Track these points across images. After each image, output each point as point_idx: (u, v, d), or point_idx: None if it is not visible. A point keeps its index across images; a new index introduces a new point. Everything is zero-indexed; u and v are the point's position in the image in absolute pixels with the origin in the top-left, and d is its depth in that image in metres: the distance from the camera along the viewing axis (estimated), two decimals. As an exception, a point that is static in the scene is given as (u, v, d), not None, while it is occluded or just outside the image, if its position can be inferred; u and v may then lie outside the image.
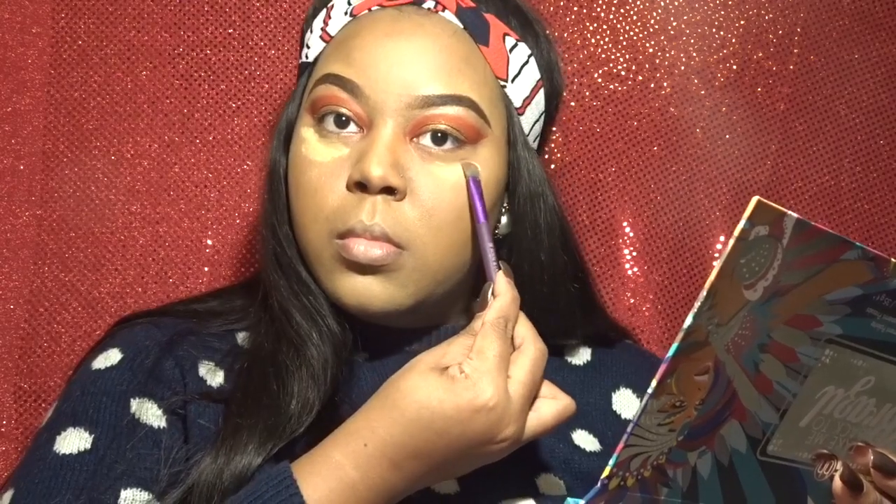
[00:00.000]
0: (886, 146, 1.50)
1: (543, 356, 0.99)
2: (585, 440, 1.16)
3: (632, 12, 1.46)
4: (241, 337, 1.16)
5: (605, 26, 1.46)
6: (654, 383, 0.85)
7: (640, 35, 1.46)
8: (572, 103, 1.45)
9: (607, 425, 1.18)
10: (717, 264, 0.82)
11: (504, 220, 1.15)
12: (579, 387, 1.20)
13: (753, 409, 0.91)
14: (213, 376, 1.11)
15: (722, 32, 1.47)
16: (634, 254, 1.47)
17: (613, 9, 1.46)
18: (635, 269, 1.47)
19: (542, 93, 1.17)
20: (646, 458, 0.88)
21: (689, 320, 0.83)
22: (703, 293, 0.83)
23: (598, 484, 0.87)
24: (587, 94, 1.46)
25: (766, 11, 1.47)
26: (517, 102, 1.14)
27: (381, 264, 1.07)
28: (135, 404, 1.07)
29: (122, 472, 1.02)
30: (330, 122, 1.09)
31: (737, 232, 0.82)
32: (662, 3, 1.47)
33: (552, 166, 1.45)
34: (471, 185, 1.07)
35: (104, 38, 1.40)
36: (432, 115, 1.08)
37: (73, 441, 1.04)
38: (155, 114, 1.41)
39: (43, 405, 1.37)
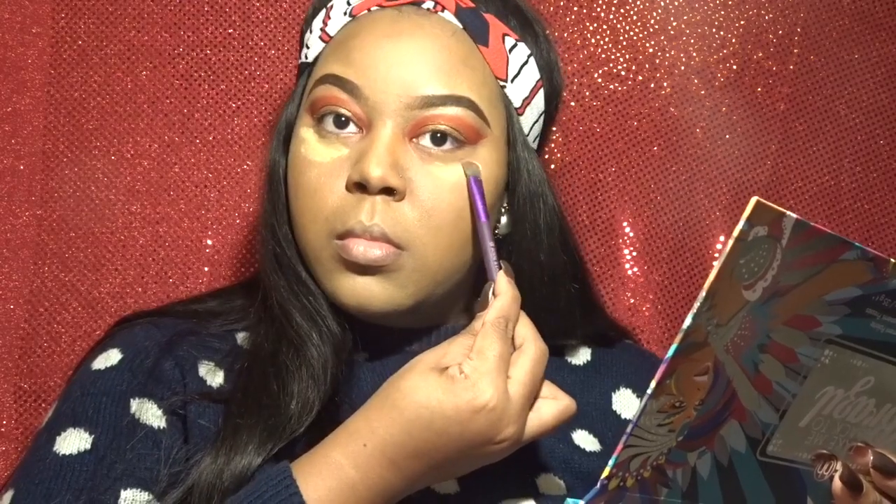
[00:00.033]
0: (886, 146, 1.50)
1: (544, 356, 0.99)
2: (585, 440, 1.16)
3: (632, 12, 1.46)
4: (240, 337, 1.16)
5: (605, 26, 1.46)
6: (653, 384, 0.85)
7: (640, 35, 1.46)
8: (572, 103, 1.45)
9: (607, 425, 1.18)
10: (716, 265, 0.83)
11: (504, 220, 1.15)
12: (579, 387, 1.20)
13: (753, 410, 0.91)
14: (213, 376, 1.11)
15: (722, 32, 1.47)
16: (634, 254, 1.47)
17: (613, 9, 1.46)
18: (635, 269, 1.47)
19: (541, 93, 1.16)
20: (645, 458, 0.88)
21: (688, 321, 0.83)
22: (703, 294, 0.83)
23: (598, 484, 0.87)
24: (587, 94, 1.46)
25: (766, 11, 1.47)
26: (517, 102, 1.14)
27: (380, 265, 1.07)
28: (135, 404, 1.07)
29: (122, 473, 1.02)
30: (329, 123, 1.09)
31: (736, 232, 0.82)
32: (662, 3, 1.47)
33: (552, 166, 1.45)
34: (472, 184, 1.07)
35: (104, 38, 1.40)
36: (432, 115, 1.08)
37: (73, 441, 1.04)
38: (155, 114, 1.41)
39: (43, 405, 1.37)
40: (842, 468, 0.94)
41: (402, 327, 1.14)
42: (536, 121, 1.17)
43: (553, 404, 0.99)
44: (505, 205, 1.15)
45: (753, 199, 0.81)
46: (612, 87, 1.47)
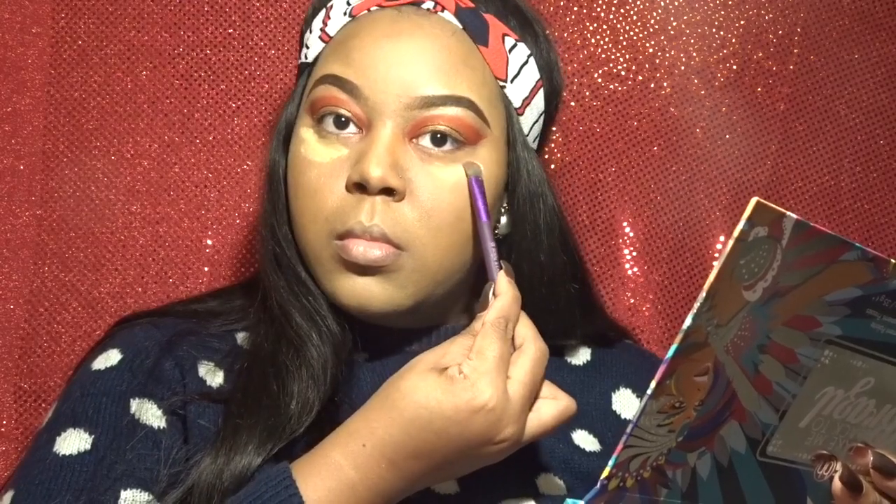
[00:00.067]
0: (886, 146, 1.50)
1: (544, 356, 0.99)
2: (585, 440, 1.16)
3: (632, 12, 1.46)
4: (240, 337, 1.16)
5: (605, 26, 1.46)
6: (653, 384, 0.85)
7: (640, 35, 1.46)
8: (572, 103, 1.45)
9: (607, 425, 1.18)
10: (716, 265, 0.83)
11: (504, 220, 1.15)
12: (579, 387, 1.20)
13: (753, 410, 0.91)
14: (213, 377, 1.12)
15: (722, 32, 1.47)
16: (634, 254, 1.47)
17: (613, 9, 1.46)
18: (635, 269, 1.47)
19: (541, 93, 1.16)
20: (645, 458, 0.88)
21: (688, 321, 0.83)
22: (703, 294, 0.83)
23: (598, 485, 0.87)
24: (587, 94, 1.46)
25: (766, 11, 1.47)
26: (517, 103, 1.14)
27: (380, 265, 1.07)
28: (134, 405, 1.07)
29: (122, 473, 1.02)
30: (329, 123, 1.09)
31: (736, 233, 0.82)
32: (662, 3, 1.47)
33: (552, 166, 1.45)
34: (473, 184, 1.07)
35: (104, 38, 1.40)
36: (431, 115, 1.08)
37: (73, 442, 1.04)
38: (155, 114, 1.41)
39: (43, 405, 1.37)
40: (842, 469, 0.94)
41: (402, 327, 1.14)
42: (536, 121, 1.17)
43: (553, 404, 0.99)
44: (505, 205, 1.15)
45: (753, 200, 0.81)
46: (612, 87, 1.47)
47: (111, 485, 1.01)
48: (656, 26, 1.46)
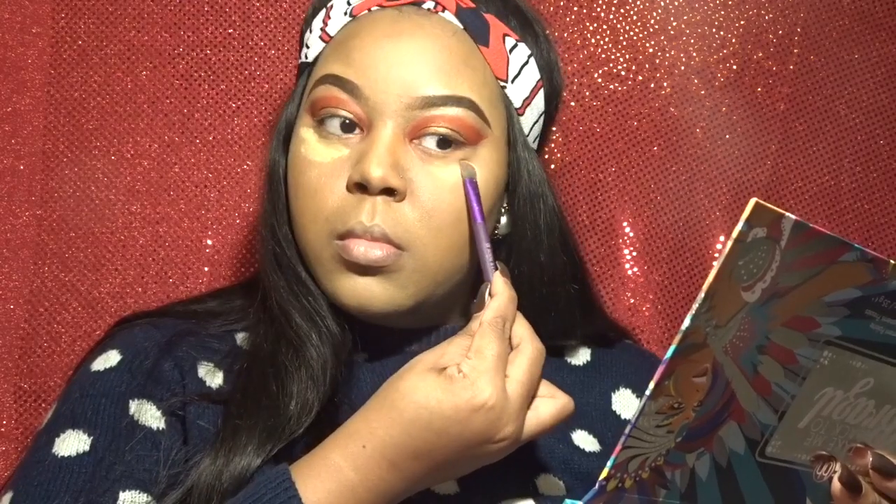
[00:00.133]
0: (886, 146, 1.49)
1: (541, 356, 0.99)
2: (585, 440, 1.16)
3: (632, 12, 1.46)
4: (240, 338, 1.16)
5: (605, 26, 1.46)
6: (651, 385, 0.85)
7: (640, 35, 1.46)
8: (572, 103, 1.45)
9: (607, 426, 1.18)
10: (715, 266, 0.83)
11: (504, 220, 1.15)
12: (579, 387, 1.20)
13: (752, 411, 0.91)
14: (213, 377, 1.12)
15: (722, 32, 1.47)
16: (634, 254, 1.47)
17: (613, 9, 1.46)
18: (635, 269, 1.47)
19: (541, 93, 1.16)
20: (644, 459, 0.88)
21: (687, 322, 0.83)
22: (701, 295, 0.83)
23: (596, 485, 0.87)
24: (587, 94, 1.46)
25: (766, 11, 1.47)
26: (517, 103, 1.14)
27: (381, 265, 1.07)
28: (134, 406, 1.07)
29: (121, 474, 1.02)
30: (335, 127, 1.09)
31: (735, 234, 0.82)
32: (662, 3, 1.46)
33: (552, 166, 1.45)
34: (467, 186, 1.08)
35: (104, 38, 1.40)
36: (432, 115, 1.08)
37: (72, 443, 1.04)
38: (155, 114, 1.41)
39: (43, 405, 1.37)
40: (841, 469, 0.94)
41: (402, 328, 1.14)
42: (536, 121, 1.17)
43: (551, 403, 0.99)
44: (505, 205, 1.15)
45: (752, 201, 0.81)
46: (612, 87, 1.47)
47: (110, 486, 1.01)
48: (656, 26, 1.46)
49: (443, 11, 1.11)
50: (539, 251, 1.14)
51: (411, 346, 1.15)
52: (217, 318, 1.18)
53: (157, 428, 1.06)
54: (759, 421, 0.91)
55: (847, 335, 0.90)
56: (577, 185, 1.46)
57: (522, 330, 1.01)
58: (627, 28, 1.46)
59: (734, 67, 1.47)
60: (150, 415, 1.07)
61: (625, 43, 1.46)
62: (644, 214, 1.47)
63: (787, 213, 0.82)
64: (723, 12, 1.47)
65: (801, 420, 0.93)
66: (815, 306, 0.88)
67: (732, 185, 1.47)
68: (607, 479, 0.87)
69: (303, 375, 1.08)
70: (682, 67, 1.47)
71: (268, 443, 1.03)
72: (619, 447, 0.86)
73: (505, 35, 1.13)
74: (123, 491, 1.01)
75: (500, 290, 1.02)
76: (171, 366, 1.10)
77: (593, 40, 1.46)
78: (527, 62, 1.15)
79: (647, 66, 1.46)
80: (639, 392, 1.21)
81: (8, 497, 1.03)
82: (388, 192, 1.06)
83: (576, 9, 1.46)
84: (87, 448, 1.04)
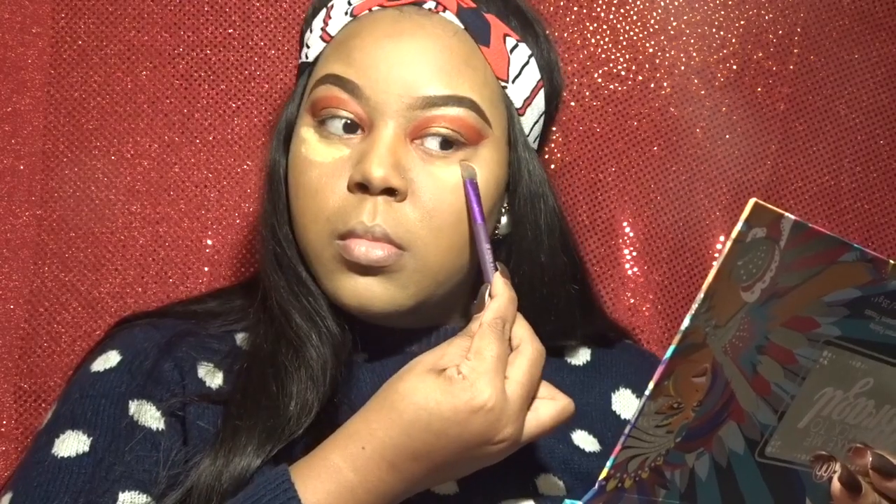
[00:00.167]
0: (886, 146, 1.49)
1: (541, 357, 0.99)
2: (585, 440, 1.16)
3: (632, 12, 1.46)
4: (240, 338, 1.16)
5: (605, 26, 1.46)
6: (651, 385, 0.85)
7: (640, 35, 1.46)
8: (572, 103, 1.45)
9: (607, 426, 1.18)
10: (714, 266, 0.83)
11: (504, 220, 1.15)
12: (579, 387, 1.20)
13: (751, 411, 0.91)
14: (212, 378, 1.12)
15: (722, 32, 1.47)
16: (634, 254, 1.47)
17: (613, 9, 1.46)
18: (635, 269, 1.47)
19: (542, 93, 1.16)
20: (643, 459, 0.88)
21: (686, 322, 0.83)
22: (701, 295, 0.83)
23: (596, 485, 0.87)
24: (587, 94, 1.46)
25: (766, 11, 1.47)
26: (518, 103, 1.14)
27: (382, 265, 1.07)
28: (133, 406, 1.07)
29: (121, 475, 1.02)
30: (336, 128, 1.09)
31: (734, 234, 0.82)
32: (662, 3, 1.46)
33: (552, 166, 1.45)
34: (467, 186, 1.07)
35: (104, 38, 1.40)
36: (433, 115, 1.08)
37: (72, 444, 1.04)
38: (155, 114, 1.41)
39: (43, 405, 1.37)
40: (841, 469, 0.94)
41: (403, 328, 1.14)
42: (537, 121, 1.17)
43: (551, 405, 0.99)
44: (505, 205, 1.15)
45: (752, 201, 0.81)
46: (612, 87, 1.47)
47: (109, 487, 1.01)
48: (656, 26, 1.46)
49: (444, 11, 1.11)
50: (539, 251, 1.14)
51: (411, 347, 1.15)
52: (217, 319, 1.18)
53: (157, 428, 1.06)
54: (759, 421, 0.91)
55: (847, 335, 0.90)
56: (577, 185, 1.46)
57: (522, 331, 1.01)
58: (627, 28, 1.46)
59: (734, 67, 1.47)
60: (149, 415, 1.07)
61: (625, 43, 1.46)
62: (644, 214, 1.47)
63: (787, 214, 0.82)
64: (723, 12, 1.47)
65: (800, 420, 0.93)
66: (815, 306, 0.88)
67: (732, 185, 1.47)
68: (607, 479, 0.87)
69: (302, 376, 1.08)
70: (682, 67, 1.47)
71: (267, 443, 1.03)
72: (618, 447, 0.86)
73: (506, 35, 1.13)
74: (123, 492, 1.01)
75: (500, 292, 1.02)
76: (171, 366, 1.10)
77: (593, 40, 1.46)
78: (527, 62, 1.15)
79: (647, 66, 1.46)
80: (639, 392, 1.21)
81: (7, 497, 1.03)
82: (390, 192, 1.06)
83: (576, 9, 1.46)
84: (86, 449, 1.04)
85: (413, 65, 1.08)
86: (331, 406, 1.08)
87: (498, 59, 1.12)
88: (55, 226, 1.39)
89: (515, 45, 1.14)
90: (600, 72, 1.46)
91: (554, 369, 1.14)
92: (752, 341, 0.87)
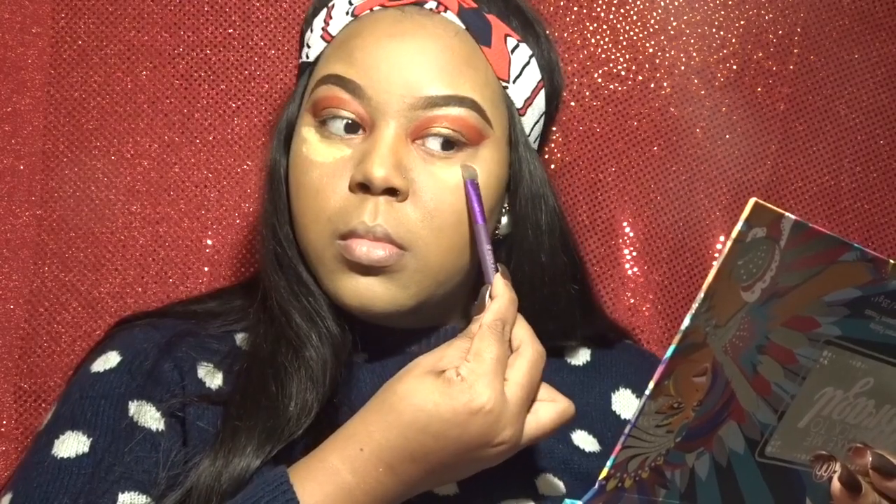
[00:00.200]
0: (886, 146, 1.49)
1: (541, 359, 0.99)
2: (585, 441, 1.16)
3: (632, 12, 1.46)
4: (239, 338, 1.16)
5: (605, 26, 1.46)
6: (651, 385, 0.85)
7: (640, 35, 1.46)
8: (572, 103, 1.45)
9: (607, 426, 1.18)
10: (714, 265, 0.83)
11: (504, 220, 1.15)
12: (579, 387, 1.20)
13: (751, 411, 0.91)
14: (212, 378, 1.11)
15: (722, 32, 1.47)
16: (634, 254, 1.47)
17: (613, 9, 1.46)
18: (635, 269, 1.47)
19: (542, 93, 1.16)
20: (644, 459, 0.88)
21: (686, 322, 0.83)
22: (701, 295, 0.83)
23: (596, 485, 0.87)
24: (587, 94, 1.46)
25: (766, 11, 1.47)
26: (518, 103, 1.14)
27: (383, 265, 1.07)
28: (133, 407, 1.07)
29: (120, 476, 1.02)
30: (338, 128, 1.09)
31: (734, 234, 0.82)
32: (662, 3, 1.46)
33: (552, 166, 1.45)
34: (469, 187, 1.07)
35: (104, 38, 1.40)
36: (435, 115, 1.08)
37: (72, 445, 1.04)
38: (155, 114, 1.41)
39: (43, 405, 1.37)
40: (841, 469, 0.94)
41: (403, 328, 1.14)
42: (537, 121, 1.17)
43: (551, 407, 0.98)
44: (506, 205, 1.15)
45: (752, 200, 0.81)
46: (612, 87, 1.47)
47: (109, 487, 1.01)
48: (656, 26, 1.46)
49: (445, 11, 1.11)
50: (540, 251, 1.14)
51: (412, 347, 1.14)
52: (217, 319, 1.18)
53: (157, 429, 1.06)
54: (759, 421, 0.91)
55: (847, 335, 0.90)
56: (577, 185, 1.46)
57: (523, 332, 1.00)
58: (627, 28, 1.46)
59: (734, 67, 1.47)
60: (149, 416, 1.07)
61: (625, 43, 1.46)
62: (644, 214, 1.47)
63: (787, 213, 0.82)
64: (723, 12, 1.47)
65: (800, 420, 0.93)
66: (815, 306, 0.88)
67: (732, 185, 1.47)
68: (607, 478, 0.87)
69: (302, 376, 1.08)
70: (682, 67, 1.47)
71: (267, 444, 1.03)
72: (618, 447, 0.86)
73: (506, 35, 1.13)
74: (122, 492, 1.01)
75: (500, 293, 1.02)
76: (171, 367, 1.10)
77: (593, 40, 1.46)
78: (528, 62, 1.15)
79: (647, 66, 1.46)
80: (639, 392, 1.21)
81: (7, 498, 1.03)
82: (391, 192, 1.06)
83: (576, 9, 1.46)
84: (86, 449, 1.04)
85: (414, 65, 1.08)
86: (331, 407, 1.07)
87: (499, 60, 1.12)
88: (55, 226, 1.39)
89: (516, 46, 1.14)
90: (600, 72, 1.46)
91: (554, 369, 1.14)
92: (753, 341, 0.87)
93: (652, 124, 1.47)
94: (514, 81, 1.13)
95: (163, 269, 1.40)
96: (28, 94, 1.39)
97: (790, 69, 1.48)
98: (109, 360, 1.11)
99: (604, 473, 0.87)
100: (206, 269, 1.41)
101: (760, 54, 1.48)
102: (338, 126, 1.09)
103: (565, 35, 1.45)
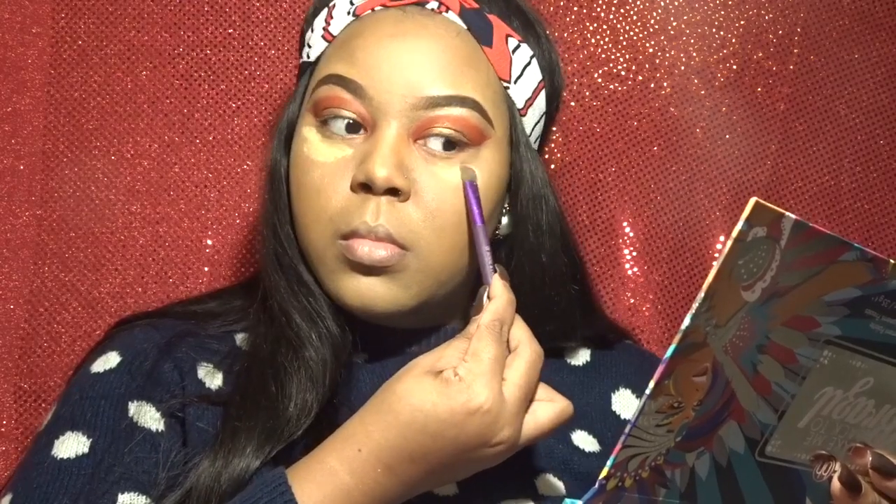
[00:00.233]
0: (886, 146, 1.49)
1: (539, 359, 0.99)
2: (585, 441, 1.16)
3: (632, 12, 1.46)
4: (239, 338, 1.16)
5: (605, 26, 1.46)
6: (651, 384, 0.85)
7: (640, 35, 1.46)
8: (572, 103, 1.45)
9: (607, 426, 1.18)
10: (715, 265, 0.83)
11: (505, 220, 1.15)
12: (578, 387, 1.20)
13: (752, 410, 0.91)
14: (212, 378, 1.11)
15: (722, 32, 1.47)
16: (634, 254, 1.47)
17: (613, 9, 1.46)
18: (635, 269, 1.47)
19: (543, 94, 1.16)
20: (644, 458, 0.88)
21: (686, 321, 0.83)
22: (701, 294, 0.83)
23: (596, 485, 0.87)
24: (587, 94, 1.46)
25: (766, 11, 1.47)
26: (519, 103, 1.14)
27: (385, 265, 1.06)
28: (133, 408, 1.07)
29: (120, 476, 1.02)
30: (339, 128, 1.09)
31: (734, 233, 0.82)
32: (662, 3, 1.46)
33: (552, 166, 1.45)
34: (468, 189, 1.07)
35: (104, 38, 1.40)
36: (436, 116, 1.07)
37: (72, 445, 1.04)
38: (155, 114, 1.41)
39: (43, 405, 1.37)
40: (841, 469, 0.94)
41: (404, 328, 1.14)
42: (538, 121, 1.17)
43: (550, 407, 0.98)
44: (506, 205, 1.15)
45: (752, 200, 0.81)
46: (612, 87, 1.47)
47: (109, 488, 1.01)
48: (656, 26, 1.46)
49: (446, 12, 1.11)
50: (541, 252, 1.14)
51: (412, 347, 1.14)
52: (216, 319, 1.18)
53: (157, 430, 1.06)
54: (759, 420, 0.91)
55: (847, 335, 0.90)
56: (577, 185, 1.46)
57: (521, 333, 1.00)
58: (627, 28, 1.46)
59: (734, 67, 1.47)
60: (149, 416, 1.07)
61: (625, 43, 1.46)
62: (644, 214, 1.47)
63: (787, 213, 0.82)
64: (723, 12, 1.47)
65: (800, 419, 0.93)
66: (815, 306, 0.88)
67: (732, 185, 1.47)
68: (607, 478, 0.87)
69: (302, 377, 1.08)
70: (682, 67, 1.47)
71: (267, 444, 1.03)
72: (618, 446, 0.86)
73: (508, 36, 1.13)
74: (122, 493, 1.01)
75: (498, 293, 1.01)
76: (171, 367, 1.10)
77: (593, 40, 1.46)
78: (529, 63, 1.15)
79: (647, 66, 1.46)
80: (639, 392, 1.21)
81: (7, 499, 1.03)
82: (393, 192, 1.06)
83: (576, 9, 1.46)
84: (86, 450, 1.04)
85: (416, 65, 1.08)
86: (330, 407, 1.07)
87: (500, 60, 1.12)
88: (55, 226, 1.39)
89: (517, 46, 1.14)
90: (600, 72, 1.46)
91: (553, 370, 1.14)
92: (753, 340, 0.87)
93: (652, 124, 1.47)
94: (515, 82, 1.13)
95: (163, 269, 1.40)
96: (28, 94, 1.39)
97: (790, 69, 1.48)
98: (109, 361, 1.10)
99: (604, 473, 0.87)
100: (206, 269, 1.41)
101: (760, 54, 1.48)
102: (339, 126, 1.09)
103: (565, 35, 1.45)
